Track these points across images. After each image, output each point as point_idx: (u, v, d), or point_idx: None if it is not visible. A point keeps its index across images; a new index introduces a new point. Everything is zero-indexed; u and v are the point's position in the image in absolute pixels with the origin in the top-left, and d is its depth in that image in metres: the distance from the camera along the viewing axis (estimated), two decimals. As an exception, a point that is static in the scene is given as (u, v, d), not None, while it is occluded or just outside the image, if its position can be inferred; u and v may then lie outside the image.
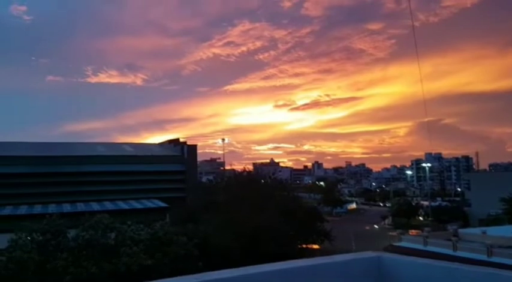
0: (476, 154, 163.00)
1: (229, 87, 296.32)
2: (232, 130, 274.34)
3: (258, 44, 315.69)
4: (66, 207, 48.97)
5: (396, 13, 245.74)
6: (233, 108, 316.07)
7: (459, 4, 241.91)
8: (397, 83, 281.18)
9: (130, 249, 28.25)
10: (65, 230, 30.48)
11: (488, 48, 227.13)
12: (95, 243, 28.94)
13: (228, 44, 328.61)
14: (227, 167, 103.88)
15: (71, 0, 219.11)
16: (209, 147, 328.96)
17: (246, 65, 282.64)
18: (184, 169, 67.96)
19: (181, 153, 70.40)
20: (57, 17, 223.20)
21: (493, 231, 30.94)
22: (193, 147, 72.22)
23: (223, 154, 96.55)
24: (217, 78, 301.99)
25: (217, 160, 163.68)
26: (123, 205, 53.73)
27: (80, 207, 49.13)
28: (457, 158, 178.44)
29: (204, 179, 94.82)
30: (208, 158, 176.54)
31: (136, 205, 56.14)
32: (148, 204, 58.49)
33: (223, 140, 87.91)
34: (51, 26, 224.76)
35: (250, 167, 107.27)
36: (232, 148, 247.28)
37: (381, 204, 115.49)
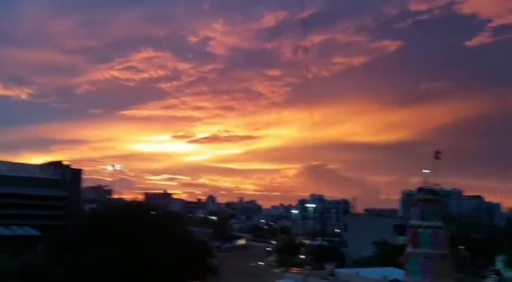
0: (354, 198, 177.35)
1: (126, 113, 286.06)
2: (126, 157, 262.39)
3: (161, 72, 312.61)
4: None
5: (293, 63, 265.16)
6: (129, 134, 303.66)
7: (348, 62, 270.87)
8: (290, 127, 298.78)
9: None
10: None
11: (372, 105, 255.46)
12: None
13: (129, 68, 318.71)
14: (116, 196, 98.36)
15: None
16: (97, 173, 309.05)
17: (146, 92, 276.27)
18: (65, 195, 62.89)
19: (63, 177, 65.25)
20: None
21: (365, 272, 33.87)
22: (77, 172, 67.55)
23: (112, 181, 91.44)
24: (114, 102, 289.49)
25: (105, 187, 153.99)
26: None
27: None
28: (337, 201, 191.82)
29: (87, 207, 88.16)
30: (95, 185, 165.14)
31: (4, 231, 50.18)
32: (19, 231, 52.68)
33: (112, 166, 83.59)
34: None
35: (142, 197, 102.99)
36: (124, 176, 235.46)
37: (269, 241, 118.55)
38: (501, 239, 45.95)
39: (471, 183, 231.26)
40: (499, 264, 43.92)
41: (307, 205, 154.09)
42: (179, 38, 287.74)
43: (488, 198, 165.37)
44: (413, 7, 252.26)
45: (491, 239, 47.22)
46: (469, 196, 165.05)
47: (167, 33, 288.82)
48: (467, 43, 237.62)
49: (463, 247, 46.53)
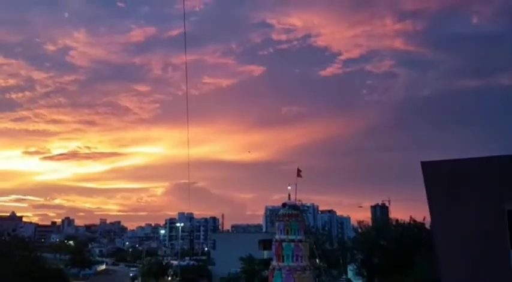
0: (222, 216, 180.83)
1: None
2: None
3: (12, 81, 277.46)
4: None
5: (162, 79, 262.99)
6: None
7: (217, 83, 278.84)
8: (159, 145, 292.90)
9: None
10: None
11: (238, 125, 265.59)
12: None
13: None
14: None
15: None
16: None
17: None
18: None
19: None
20: None
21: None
22: None
23: None
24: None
25: None
26: None
27: None
28: (206, 219, 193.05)
29: None
30: None
31: None
32: None
33: None
34: None
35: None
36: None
37: (134, 265, 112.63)
38: (351, 249, 51.35)
39: (324, 199, 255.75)
40: (350, 272, 48.92)
41: (176, 224, 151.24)
42: (35, 46, 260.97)
43: (340, 212, 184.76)
44: (276, 36, 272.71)
45: (343, 250, 52.46)
46: (323, 211, 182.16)
47: (21, 39, 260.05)
48: (321, 72, 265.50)
49: (317, 258, 50.79)
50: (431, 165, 10.92)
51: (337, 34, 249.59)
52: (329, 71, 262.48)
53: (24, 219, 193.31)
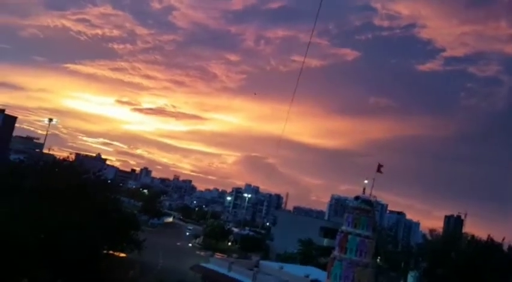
0: (287, 195, 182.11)
1: (71, 66, 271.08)
2: (62, 112, 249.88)
3: (116, 32, 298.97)
4: None
5: (253, 52, 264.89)
6: (70, 89, 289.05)
7: (306, 62, 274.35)
8: (238, 115, 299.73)
9: None
10: None
11: (319, 108, 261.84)
12: None
13: (83, 21, 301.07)
14: (45, 151, 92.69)
15: None
16: (29, 123, 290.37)
17: (96, 49, 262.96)
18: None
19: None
20: None
21: (289, 268, 34.71)
22: (12, 119, 62.80)
23: (46, 136, 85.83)
24: (60, 52, 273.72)
25: (35, 140, 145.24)
26: None
27: None
28: (270, 195, 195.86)
29: (13, 158, 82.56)
30: (24, 135, 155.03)
31: None
32: None
33: (50, 120, 78.34)
34: None
35: (73, 157, 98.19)
36: (57, 131, 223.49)
37: (197, 223, 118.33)
38: (416, 255, 49.01)
39: (395, 200, 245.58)
40: (411, 279, 46.89)
41: (243, 194, 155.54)
42: (142, 1, 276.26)
43: (409, 216, 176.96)
44: (377, 22, 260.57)
45: (407, 255, 50.24)
46: (391, 211, 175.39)
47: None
48: (419, 66, 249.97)
49: (379, 258, 49.29)
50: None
51: (444, 29, 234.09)
52: (428, 66, 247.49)
53: (107, 162, 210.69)
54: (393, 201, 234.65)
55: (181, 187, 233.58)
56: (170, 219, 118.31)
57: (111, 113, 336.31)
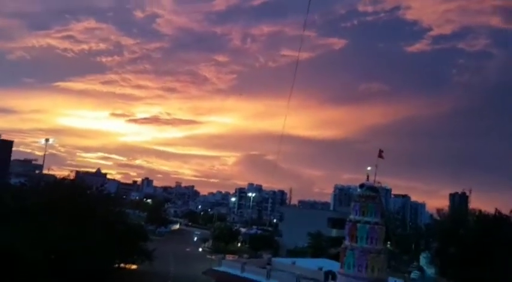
0: (290, 190, 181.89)
1: (61, 84, 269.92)
2: (58, 131, 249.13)
3: (102, 46, 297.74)
4: None
5: (241, 50, 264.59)
6: (62, 107, 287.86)
7: (295, 56, 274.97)
8: (233, 115, 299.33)
9: None
10: None
11: (312, 100, 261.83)
12: None
13: (68, 37, 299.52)
14: (45, 171, 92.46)
15: None
16: (25, 145, 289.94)
17: (84, 64, 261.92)
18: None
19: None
20: None
21: (301, 262, 34.69)
22: (9, 143, 62.57)
23: (44, 156, 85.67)
24: (49, 72, 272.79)
25: (33, 162, 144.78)
26: None
27: None
28: (274, 191, 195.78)
29: (14, 181, 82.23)
30: (21, 158, 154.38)
31: None
32: None
33: (47, 140, 78.20)
34: None
35: (73, 175, 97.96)
36: (54, 151, 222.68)
37: (204, 227, 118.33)
38: (426, 236, 49.11)
39: (398, 183, 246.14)
40: (423, 260, 46.88)
41: (247, 194, 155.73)
42: (124, 12, 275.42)
43: (414, 198, 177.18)
44: (361, 8, 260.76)
45: (417, 236, 50.39)
46: (396, 195, 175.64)
47: (112, 5, 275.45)
48: (407, 48, 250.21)
49: (389, 243, 49.43)
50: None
51: (428, 8, 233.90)
52: (417, 47, 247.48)
53: (108, 176, 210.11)
54: (396, 185, 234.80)
55: (184, 193, 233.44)
56: (177, 226, 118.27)
57: (106, 127, 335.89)
